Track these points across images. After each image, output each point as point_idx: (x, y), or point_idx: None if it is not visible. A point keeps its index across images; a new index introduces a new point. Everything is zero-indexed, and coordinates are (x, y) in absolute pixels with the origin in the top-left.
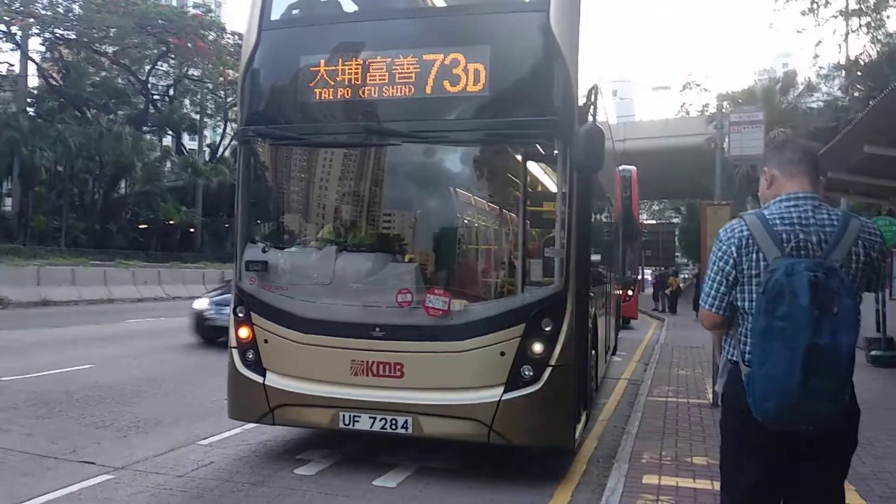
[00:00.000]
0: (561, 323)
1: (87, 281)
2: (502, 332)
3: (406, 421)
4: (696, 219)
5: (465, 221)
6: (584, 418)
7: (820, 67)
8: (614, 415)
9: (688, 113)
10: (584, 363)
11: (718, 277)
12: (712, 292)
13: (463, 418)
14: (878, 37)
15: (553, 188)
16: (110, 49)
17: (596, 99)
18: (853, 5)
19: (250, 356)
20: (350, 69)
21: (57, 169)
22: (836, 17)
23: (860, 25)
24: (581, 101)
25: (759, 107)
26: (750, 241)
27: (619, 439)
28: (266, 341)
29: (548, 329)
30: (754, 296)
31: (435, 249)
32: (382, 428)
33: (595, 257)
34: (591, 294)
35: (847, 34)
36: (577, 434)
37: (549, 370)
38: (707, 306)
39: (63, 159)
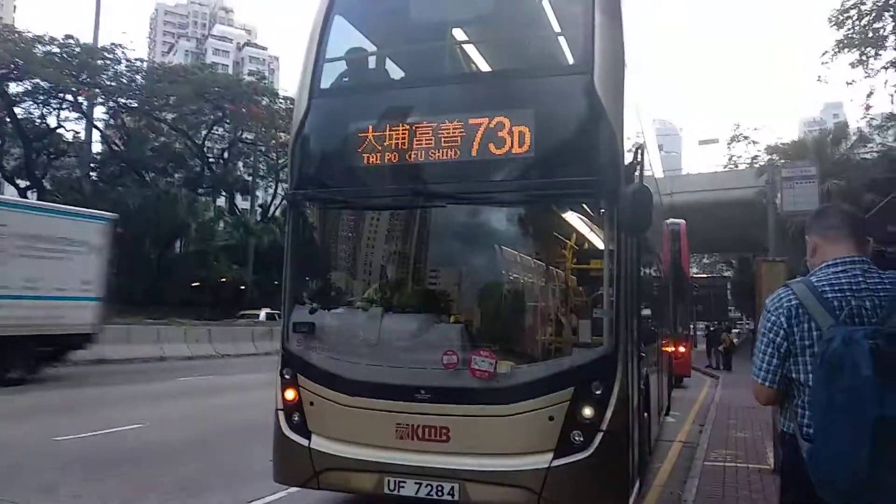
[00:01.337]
0: (611, 386)
1: (140, 339)
2: (550, 395)
3: (453, 487)
4: (748, 271)
5: (512, 282)
6: (637, 485)
7: (872, 118)
8: (670, 480)
9: (736, 165)
10: (637, 427)
11: (770, 350)
12: (764, 365)
13: (511, 486)
14: None
15: (600, 247)
16: (170, 116)
17: (642, 158)
18: None
19: (296, 418)
20: (397, 134)
21: (117, 230)
22: (886, 68)
23: None
24: (627, 160)
25: (812, 160)
26: (800, 310)
27: None
28: (312, 403)
29: (598, 392)
30: (809, 367)
31: (481, 310)
32: (428, 494)
33: (645, 314)
34: (643, 353)
35: None
36: (630, 501)
37: (600, 435)
38: (760, 380)
39: (122, 221)
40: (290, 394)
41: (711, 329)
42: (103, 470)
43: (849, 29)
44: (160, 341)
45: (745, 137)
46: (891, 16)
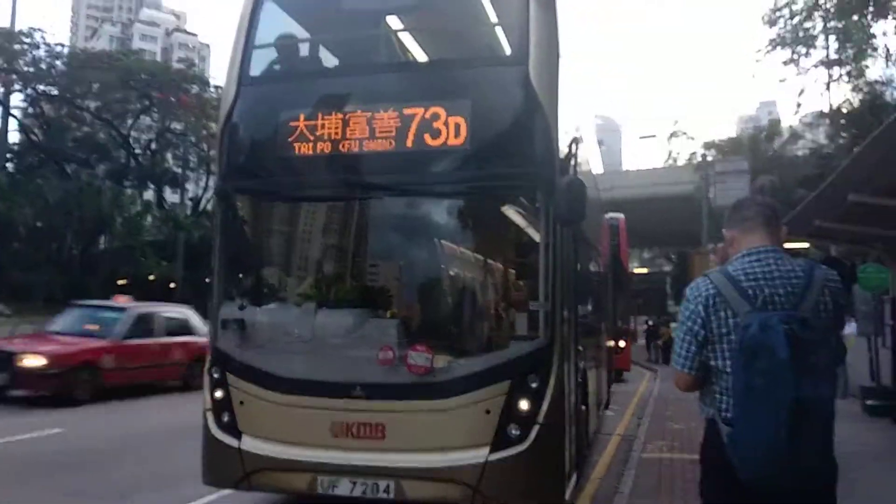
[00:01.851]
0: (547, 378)
1: None
2: (487, 389)
3: (388, 485)
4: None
5: (448, 275)
6: (574, 478)
7: (804, 116)
8: (608, 473)
9: (675, 161)
10: (574, 420)
11: (688, 338)
12: (682, 352)
13: (447, 481)
14: (860, 85)
15: (536, 240)
16: (93, 104)
17: (577, 150)
18: (833, 55)
19: (225, 418)
20: (329, 124)
21: (36, 224)
22: (816, 66)
23: (841, 74)
24: (562, 153)
25: (745, 156)
26: (717, 298)
27: (612, 499)
28: (242, 402)
29: (534, 385)
30: (727, 353)
31: (417, 304)
32: (363, 493)
33: (583, 308)
34: (580, 347)
35: (829, 83)
36: (567, 495)
37: (536, 428)
38: (679, 367)
39: (42, 214)
40: (218, 393)
41: (651, 324)
42: (24, 477)
43: (781, 27)
44: None
45: (684, 133)
46: (820, 16)
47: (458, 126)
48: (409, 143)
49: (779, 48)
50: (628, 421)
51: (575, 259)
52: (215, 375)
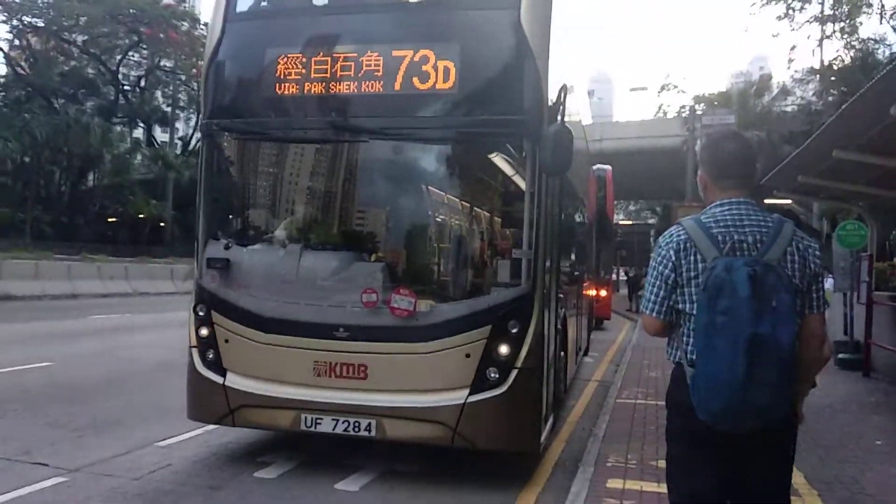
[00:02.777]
0: (527, 325)
1: (50, 275)
2: (468, 333)
3: (369, 424)
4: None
5: (433, 220)
6: (550, 422)
7: (795, 71)
8: (583, 417)
9: (665, 114)
10: (552, 366)
11: (658, 282)
12: (652, 297)
13: (427, 421)
14: (852, 42)
15: (522, 187)
16: (80, 38)
17: (565, 98)
18: (827, 11)
19: (210, 356)
20: (317, 63)
21: (23, 160)
22: (810, 22)
23: (834, 31)
24: (551, 100)
25: (731, 110)
26: (688, 244)
27: (586, 442)
28: (227, 341)
29: (514, 331)
30: (694, 297)
31: (401, 248)
32: (345, 430)
33: (566, 257)
34: (561, 295)
35: (822, 39)
36: (542, 438)
37: (514, 373)
38: (648, 311)
39: (29, 150)
40: (203, 331)
41: (632, 275)
42: (7, 408)
43: None
44: (71, 278)
45: (675, 87)
46: None
47: (446, 70)
48: (396, 86)
49: (773, 2)
50: (606, 368)
51: (559, 209)
52: (200, 313)
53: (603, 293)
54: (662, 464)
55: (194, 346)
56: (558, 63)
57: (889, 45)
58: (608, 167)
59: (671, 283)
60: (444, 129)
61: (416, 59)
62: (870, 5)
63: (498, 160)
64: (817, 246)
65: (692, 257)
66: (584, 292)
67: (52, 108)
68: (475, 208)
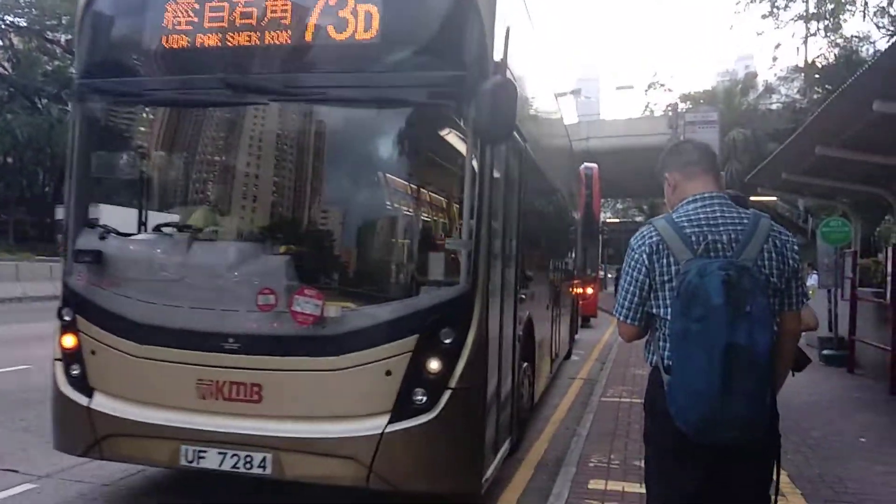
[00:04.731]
0: (465, 333)
1: (32, 276)
2: (388, 345)
3: (264, 458)
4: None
5: (351, 204)
6: (503, 451)
7: (780, 70)
8: (567, 416)
9: (652, 113)
10: (504, 382)
11: (632, 288)
12: (626, 303)
13: (335, 456)
14: (836, 40)
15: (462, 161)
16: (63, 37)
17: (507, 46)
18: (812, 9)
19: (75, 371)
20: (212, 10)
21: (6, 160)
22: (795, 20)
23: (818, 29)
24: (497, 52)
25: (714, 107)
26: (661, 245)
27: (569, 441)
28: (94, 353)
29: (447, 342)
30: (668, 301)
31: (306, 238)
32: (234, 467)
33: (534, 252)
34: (525, 295)
35: (806, 37)
36: (488, 475)
37: (447, 394)
38: (622, 318)
39: (11, 150)
40: (68, 340)
41: (619, 272)
42: None
43: None
44: (53, 279)
45: (662, 85)
46: None
47: (368, 15)
48: (307, 37)
49: (758, 0)
50: (591, 365)
51: (520, 192)
52: (66, 318)
53: (589, 291)
54: None
55: (58, 359)
56: (505, 8)
57: (873, 43)
58: (594, 165)
59: (646, 288)
60: (366, 88)
61: (332, 2)
62: (854, 3)
63: (433, 127)
64: (795, 240)
65: (665, 260)
66: (565, 291)
67: (35, 108)
68: (403, 188)
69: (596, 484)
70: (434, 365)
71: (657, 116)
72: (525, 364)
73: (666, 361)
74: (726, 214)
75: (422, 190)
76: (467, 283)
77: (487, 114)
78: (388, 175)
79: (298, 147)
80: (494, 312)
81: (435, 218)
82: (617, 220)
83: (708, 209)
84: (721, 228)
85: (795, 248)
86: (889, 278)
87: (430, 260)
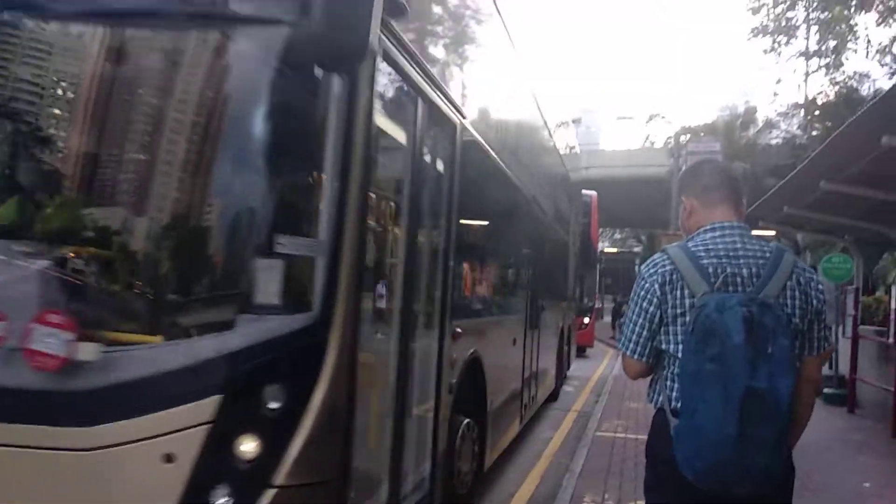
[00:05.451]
0: (308, 392)
1: None
2: (171, 411)
3: None
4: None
5: (127, 180)
6: None
7: (780, 105)
8: (560, 450)
9: (652, 144)
10: (405, 461)
11: (640, 321)
12: (633, 336)
13: None
14: (836, 78)
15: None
16: None
17: None
18: (813, 46)
19: None
20: None
21: None
22: (796, 56)
23: (819, 66)
24: None
25: (716, 138)
26: (674, 275)
27: (561, 478)
28: None
29: (273, 406)
30: (680, 337)
31: (70, 236)
32: None
33: (494, 271)
34: (461, 329)
35: (807, 74)
36: None
37: (270, 495)
38: (629, 353)
39: None
40: None
41: (617, 301)
42: None
43: (764, 16)
44: None
45: (662, 117)
46: (803, 6)
47: None
48: None
49: (760, 36)
50: (586, 398)
51: (452, 181)
52: None
53: (586, 320)
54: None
55: None
56: None
57: (874, 81)
58: (593, 192)
59: (656, 321)
60: (169, 12)
61: None
62: (856, 38)
63: (265, 58)
64: (819, 279)
65: (678, 292)
66: (548, 322)
67: None
68: (215, 158)
69: None
70: (247, 446)
71: (657, 148)
72: (465, 423)
73: (674, 403)
74: (748, 246)
75: (244, 157)
76: (319, 310)
77: (321, 17)
78: (186, 134)
79: (65, 101)
80: (379, 356)
81: (273, 201)
82: (615, 250)
83: (728, 239)
84: (741, 261)
85: (820, 286)
86: (893, 316)
87: (257, 272)
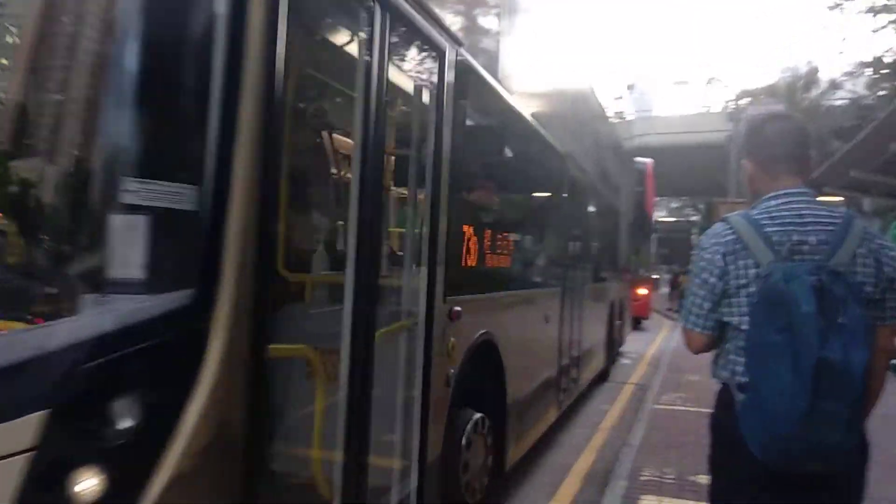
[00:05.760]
0: (179, 405)
1: None
2: None
3: None
4: (712, 217)
5: None
6: None
7: (846, 65)
8: (618, 424)
9: (709, 109)
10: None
11: (703, 292)
12: (695, 309)
13: None
14: None
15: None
16: None
17: None
18: (881, 1)
19: None
20: None
21: None
22: (862, 13)
23: (889, 22)
24: None
25: (777, 100)
26: (738, 245)
27: (618, 452)
28: None
29: (126, 426)
30: (745, 308)
31: None
32: None
33: (513, 233)
34: (459, 308)
35: (874, 31)
36: None
37: None
38: (691, 325)
39: None
40: None
41: (674, 272)
42: None
43: None
44: None
45: (719, 81)
46: None
47: None
48: None
49: None
50: (644, 370)
51: (441, 118)
52: None
53: (642, 292)
54: (702, 479)
55: None
56: None
57: None
58: (649, 160)
59: (718, 292)
60: None
61: None
62: None
63: None
64: (893, 245)
65: (742, 262)
66: (593, 295)
67: None
68: (53, 85)
69: (648, 500)
70: (85, 484)
71: (714, 113)
72: (474, 419)
73: (739, 378)
74: (815, 212)
75: (100, 75)
76: (201, 285)
77: None
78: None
79: None
80: (321, 348)
81: (136, 137)
82: (672, 220)
83: (794, 206)
84: (809, 228)
85: (892, 253)
86: None
87: (108, 233)
